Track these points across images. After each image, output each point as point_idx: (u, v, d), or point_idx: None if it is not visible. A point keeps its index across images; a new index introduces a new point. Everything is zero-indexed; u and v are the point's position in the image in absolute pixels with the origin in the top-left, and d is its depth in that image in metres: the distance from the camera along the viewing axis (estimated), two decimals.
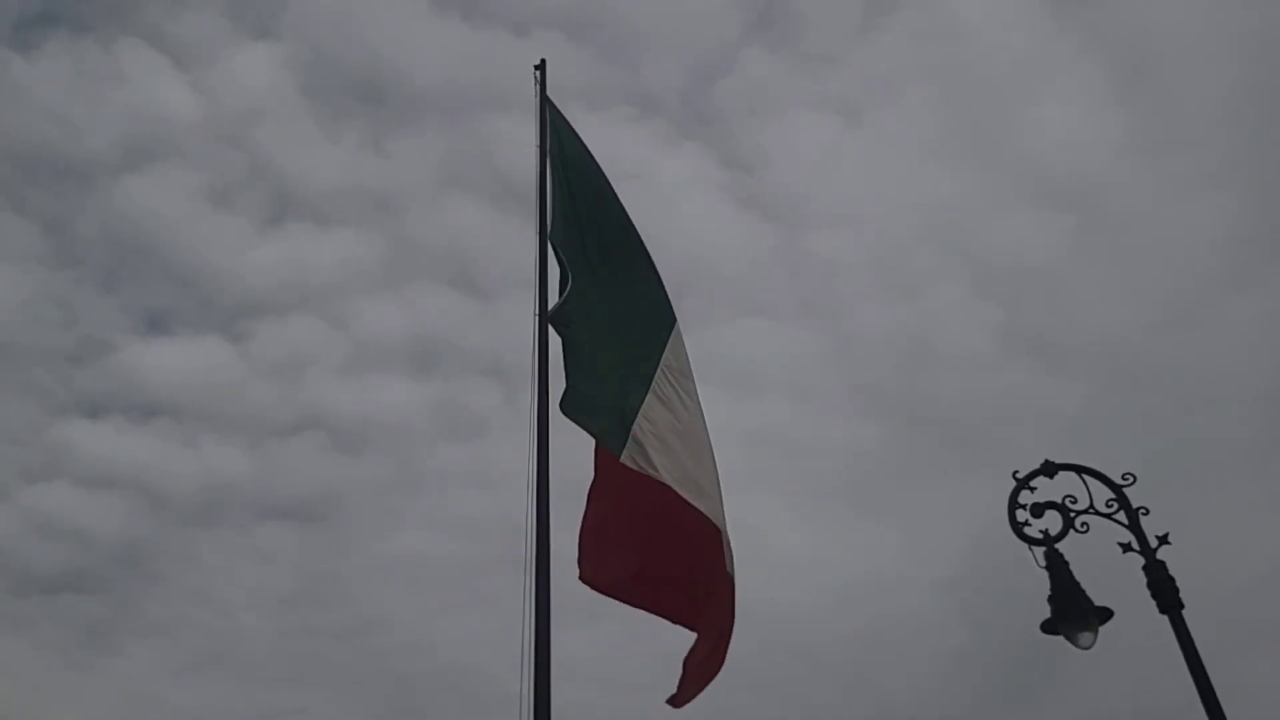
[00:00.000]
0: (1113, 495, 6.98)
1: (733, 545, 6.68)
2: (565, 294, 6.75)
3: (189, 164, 36.10)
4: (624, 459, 6.42)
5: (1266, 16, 29.65)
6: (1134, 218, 33.50)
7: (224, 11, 38.28)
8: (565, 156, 7.86)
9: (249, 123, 37.22)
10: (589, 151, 8.21)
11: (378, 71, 39.08)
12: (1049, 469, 7.23)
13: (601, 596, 6.51)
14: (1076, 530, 6.99)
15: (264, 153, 36.93)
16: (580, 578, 6.47)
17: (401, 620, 29.40)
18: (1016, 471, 7.26)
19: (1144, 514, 6.85)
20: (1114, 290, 33.66)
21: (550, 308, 6.69)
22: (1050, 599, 6.77)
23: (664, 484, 6.43)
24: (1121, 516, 6.89)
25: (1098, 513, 6.98)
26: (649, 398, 6.83)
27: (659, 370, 7.12)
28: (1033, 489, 7.19)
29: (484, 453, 31.59)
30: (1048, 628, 6.76)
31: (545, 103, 8.00)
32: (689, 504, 6.52)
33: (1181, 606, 6.47)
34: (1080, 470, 7.17)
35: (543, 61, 8.24)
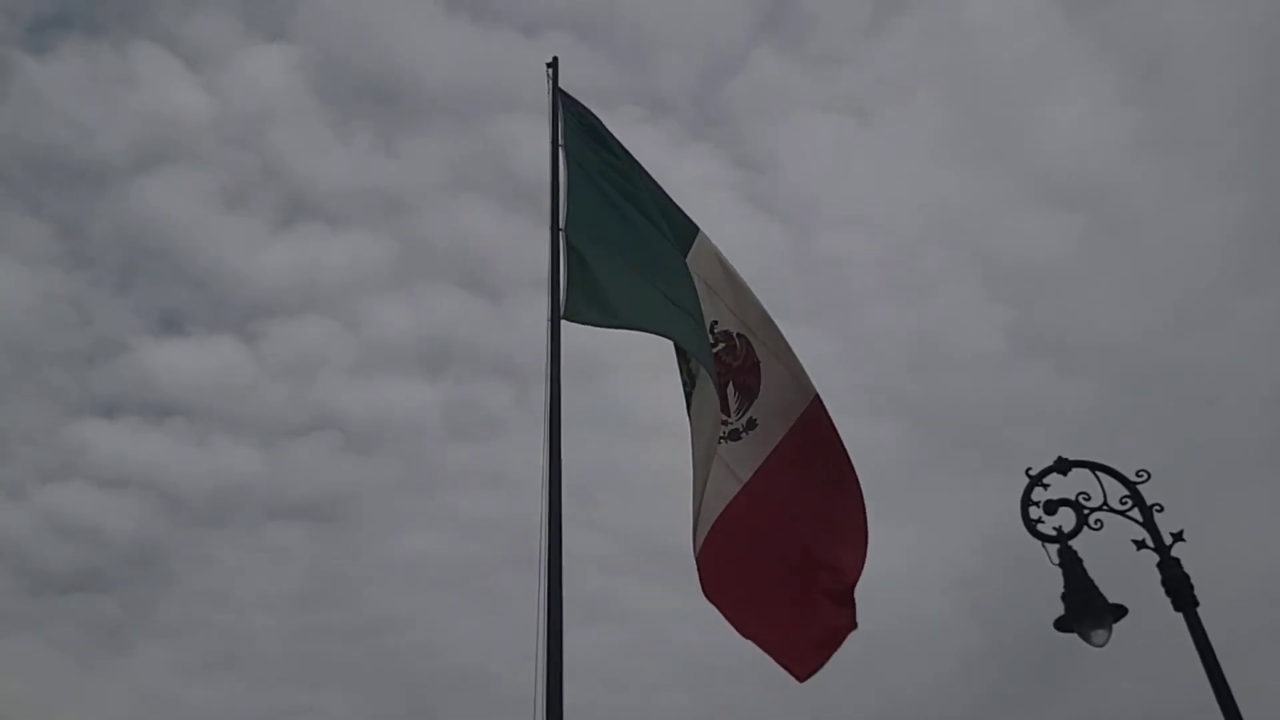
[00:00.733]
0: (1126, 492, 6.94)
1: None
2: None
3: (202, 165, 36.41)
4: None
5: (1278, 17, 29.48)
6: (1145, 217, 33.42)
7: (236, 14, 38.52)
8: (591, 142, 7.80)
9: (261, 124, 37.50)
10: (612, 135, 8.13)
11: (389, 73, 39.30)
12: (1062, 465, 7.19)
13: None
14: (1090, 527, 6.95)
15: (276, 154, 37.22)
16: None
17: (413, 620, 29.57)
18: (1030, 468, 7.22)
19: (1158, 511, 6.81)
20: (1125, 290, 33.59)
21: (562, 307, 6.67)
22: (1064, 596, 6.74)
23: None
24: (1135, 513, 6.85)
25: (1111, 509, 6.94)
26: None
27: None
28: (1046, 486, 7.15)
29: (496, 453, 31.71)
30: (1061, 625, 6.73)
31: (558, 101, 7.94)
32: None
33: (1196, 604, 6.43)
34: (1094, 467, 7.13)
35: (555, 59, 8.17)
